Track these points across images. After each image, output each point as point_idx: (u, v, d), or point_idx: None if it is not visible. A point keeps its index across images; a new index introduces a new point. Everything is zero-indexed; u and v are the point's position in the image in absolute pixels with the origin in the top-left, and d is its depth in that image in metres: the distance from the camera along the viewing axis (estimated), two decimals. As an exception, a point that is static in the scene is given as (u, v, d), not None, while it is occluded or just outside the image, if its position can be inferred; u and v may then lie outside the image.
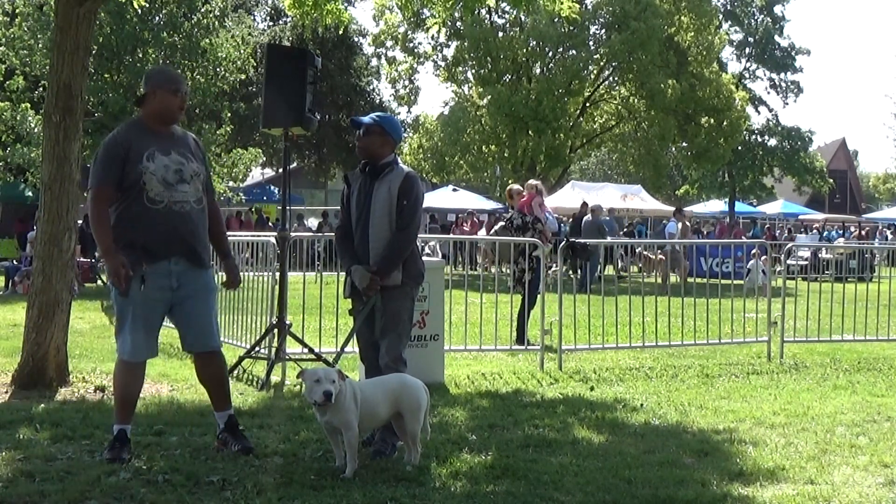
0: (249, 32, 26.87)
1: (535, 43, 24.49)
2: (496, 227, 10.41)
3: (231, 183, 22.82)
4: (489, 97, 23.64)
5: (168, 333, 5.62)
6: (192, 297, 4.99)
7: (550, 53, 25.16)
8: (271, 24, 38.00)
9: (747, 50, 40.89)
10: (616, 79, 26.10)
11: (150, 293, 4.86)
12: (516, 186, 10.77)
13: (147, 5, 19.63)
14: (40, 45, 19.21)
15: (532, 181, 10.75)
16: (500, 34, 24.68)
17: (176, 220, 4.90)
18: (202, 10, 21.36)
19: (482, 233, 27.39)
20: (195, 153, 5.11)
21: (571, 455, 5.14)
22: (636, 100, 25.45)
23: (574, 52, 24.82)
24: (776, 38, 40.65)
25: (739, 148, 35.26)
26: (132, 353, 4.91)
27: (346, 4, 33.70)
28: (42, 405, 6.17)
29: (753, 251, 17.34)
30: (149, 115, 5.05)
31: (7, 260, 19.93)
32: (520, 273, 9.60)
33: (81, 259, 17.69)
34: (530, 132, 23.37)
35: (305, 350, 7.84)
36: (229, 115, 25.77)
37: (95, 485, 4.37)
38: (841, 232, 37.70)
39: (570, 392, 7.19)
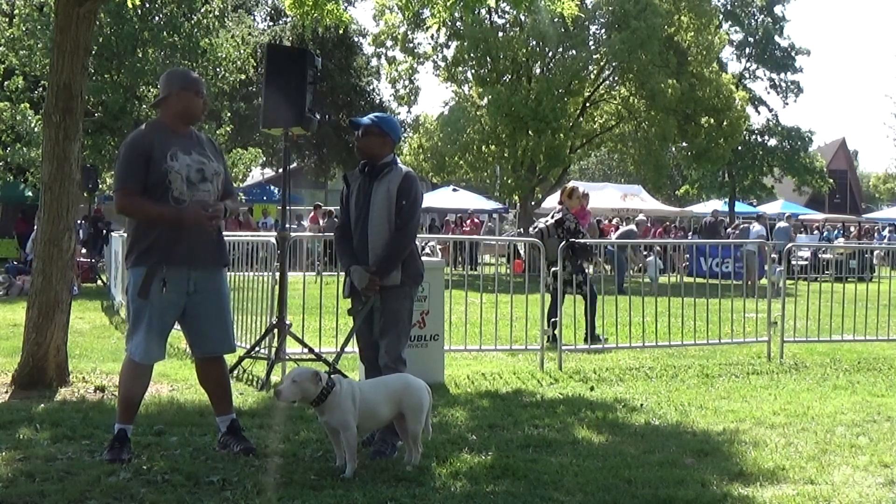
0: (249, 32, 26.94)
1: (535, 43, 24.44)
2: (546, 223, 10.12)
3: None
4: (489, 97, 23.59)
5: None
6: (205, 302, 5.00)
7: (550, 53, 25.12)
8: (271, 24, 38.06)
9: (747, 50, 40.89)
10: (616, 79, 26.05)
11: (169, 296, 4.87)
12: (580, 189, 10.61)
13: (146, 5, 19.67)
14: (40, 46, 19.24)
15: (583, 189, 10.60)
16: (500, 34, 24.62)
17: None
18: (202, 10, 21.38)
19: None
20: (213, 153, 5.14)
21: (571, 455, 5.14)
22: (636, 100, 25.40)
23: (574, 52, 24.77)
24: (776, 38, 40.62)
25: (739, 148, 35.24)
26: (144, 356, 4.91)
27: (346, 4, 33.76)
28: (42, 405, 6.17)
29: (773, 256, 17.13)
30: (171, 115, 5.06)
31: (9, 261, 19.91)
32: (568, 276, 9.58)
33: (81, 259, 17.70)
34: (530, 132, 23.32)
35: (305, 350, 7.85)
36: (229, 115, 25.82)
37: (95, 485, 4.37)
38: (840, 232, 37.71)
39: (570, 392, 7.19)
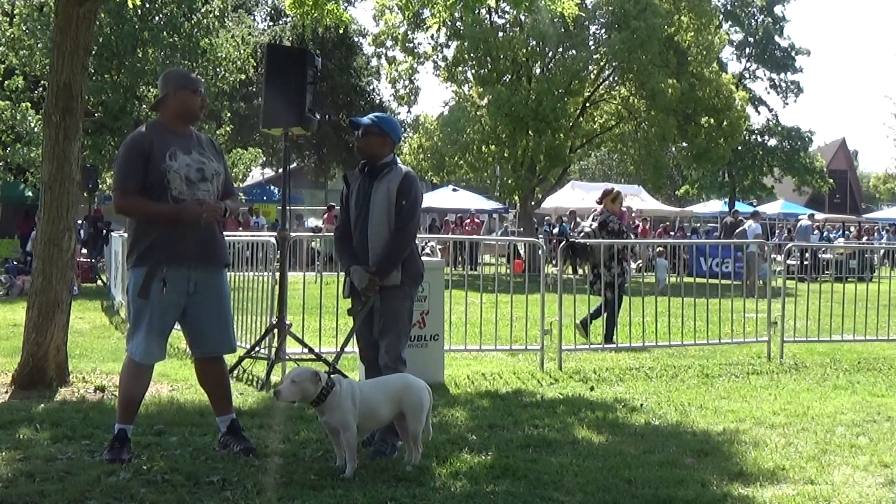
0: (249, 32, 26.92)
1: (535, 43, 24.41)
2: (591, 225, 10.33)
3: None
4: (489, 97, 23.58)
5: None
6: (205, 302, 5.00)
7: (550, 53, 25.09)
8: (271, 24, 38.04)
9: (747, 50, 40.87)
10: (616, 79, 26.02)
11: (169, 296, 4.87)
12: (618, 190, 10.82)
13: (146, 5, 19.67)
14: (40, 45, 19.23)
15: (619, 192, 10.81)
16: (500, 34, 24.60)
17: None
18: (202, 10, 21.37)
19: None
20: (213, 153, 5.14)
21: (571, 455, 5.14)
22: (636, 100, 25.37)
23: (574, 52, 24.75)
24: (776, 38, 40.61)
25: (739, 148, 35.23)
26: (144, 356, 4.91)
27: (346, 4, 33.75)
28: (42, 405, 6.17)
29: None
30: (170, 115, 5.07)
31: (9, 260, 19.91)
32: (610, 277, 9.69)
33: (81, 259, 17.71)
34: (530, 132, 23.30)
35: (305, 350, 7.85)
36: (229, 115, 25.81)
37: (95, 485, 4.37)
38: (840, 233, 37.66)
39: (570, 392, 7.19)
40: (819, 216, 41.34)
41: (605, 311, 9.72)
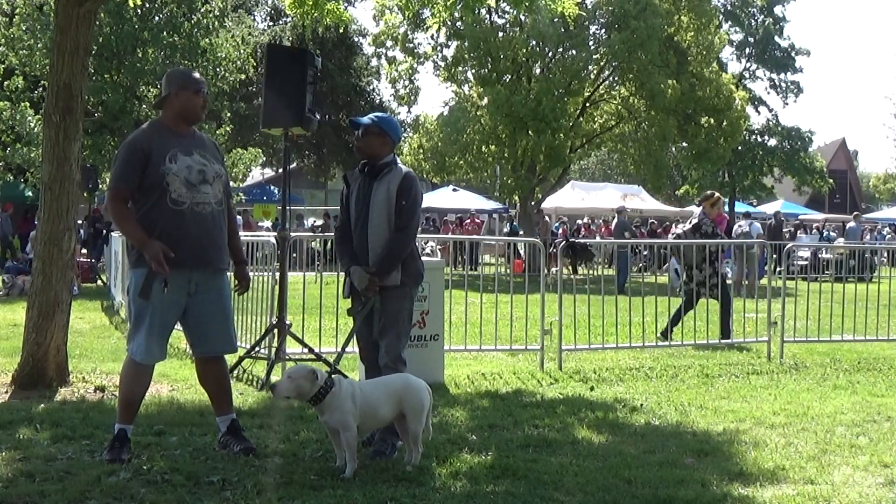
0: (249, 32, 26.92)
1: (535, 43, 24.40)
2: (684, 227, 10.91)
3: (231, 183, 22.86)
4: (489, 97, 23.57)
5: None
6: (207, 302, 5.00)
7: (550, 53, 25.08)
8: (271, 24, 38.04)
9: (747, 50, 40.83)
10: (616, 79, 26.01)
11: (170, 297, 4.87)
12: (718, 195, 11.26)
13: (147, 5, 19.68)
14: (40, 45, 19.25)
15: (720, 196, 11.22)
16: (500, 34, 24.59)
17: (198, 222, 4.92)
18: (202, 10, 21.39)
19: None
20: (214, 155, 5.13)
21: (571, 455, 5.14)
22: (636, 100, 25.35)
23: (574, 52, 24.73)
24: (776, 38, 40.59)
25: (739, 148, 35.20)
26: (145, 356, 4.91)
27: (346, 4, 33.72)
28: (42, 405, 6.17)
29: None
30: (172, 116, 5.06)
31: (8, 260, 19.91)
32: (703, 278, 10.01)
33: (81, 259, 17.70)
34: (530, 132, 23.28)
35: (305, 350, 7.85)
36: (229, 115, 25.82)
37: (95, 485, 4.37)
38: (840, 232, 37.62)
39: (570, 392, 7.19)
40: (819, 216, 41.36)
41: (684, 311, 10.00)
